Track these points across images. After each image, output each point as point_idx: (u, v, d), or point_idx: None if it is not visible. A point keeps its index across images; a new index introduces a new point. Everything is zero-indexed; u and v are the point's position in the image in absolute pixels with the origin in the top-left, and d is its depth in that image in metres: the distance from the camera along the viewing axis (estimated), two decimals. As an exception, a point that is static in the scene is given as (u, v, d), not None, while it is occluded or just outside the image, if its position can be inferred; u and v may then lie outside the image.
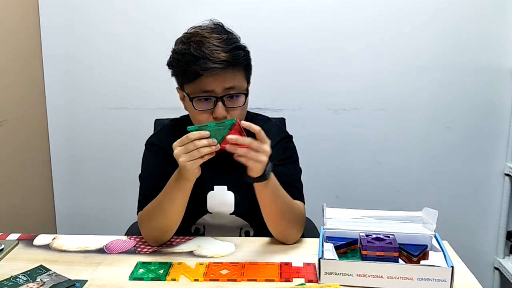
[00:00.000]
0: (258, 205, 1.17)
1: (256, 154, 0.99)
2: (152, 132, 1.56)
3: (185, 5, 1.83)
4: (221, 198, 1.23)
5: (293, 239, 1.18)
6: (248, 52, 1.15)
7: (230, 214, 1.24)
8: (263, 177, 1.04)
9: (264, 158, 1.00)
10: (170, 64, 1.16)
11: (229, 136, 0.99)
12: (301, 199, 1.21)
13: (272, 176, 1.08)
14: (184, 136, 0.99)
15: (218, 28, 1.13)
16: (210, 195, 1.23)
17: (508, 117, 1.88)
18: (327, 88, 1.88)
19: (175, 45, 1.15)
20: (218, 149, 0.99)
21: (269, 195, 1.10)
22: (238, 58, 1.10)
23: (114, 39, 1.87)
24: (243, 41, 1.16)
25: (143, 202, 1.17)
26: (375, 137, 1.92)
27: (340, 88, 1.88)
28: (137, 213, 1.20)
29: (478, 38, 1.83)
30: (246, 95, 1.14)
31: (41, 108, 1.92)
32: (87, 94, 1.92)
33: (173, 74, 1.17)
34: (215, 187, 1.23)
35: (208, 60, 1.05)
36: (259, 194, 1.10)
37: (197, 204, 1.20)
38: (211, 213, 1.24)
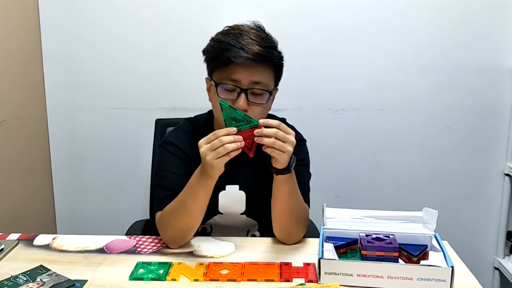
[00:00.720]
0: (269, 205, 1.18)
1: (282, 144, 0.99)
2: (152, 132, 1.56)
3: (185, 6, 1.83)
4: (233, 198, 1.23)
5: (294, 239, 1.18)
6: (281, 57, 1.17)
7: (241, 214, 1.25)
8: (287, 169, 1.05)
9: (290, 148, 1.00)
10: (205, 51, 1.18)
11: (256, 131, 0.99)
12: (307, 202, 1.22)
13: (293, 174, 1.09)
14: (211, 133, 1.00)
15: (258, 28, 1.16)
16: (222, 195, 1.23)
17: (508, 117, 1.88)
18: (327, 88, 1.88)
19: (214, 36, 1.17)
20: (243, 145, 0.99)
21: (288, 190, 1.10)
22: (271, 56, 1.13)
23: (114, 39, 1.87)
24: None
25: (162, 202, 1.16)
26: (375, 137, 1.92)
27: (340, 88, 1.88)
28: (155, 213, 1.18)
29: (478, 38, 1.83)
30: (270, 93, 1.15)
31: (41, 108, 1.92)
32: (87, 94, 1.92)
33: (205, 60, 1.19)
34: (227, 186, 1.23)
35: (242, 50, 1.09)
36: (278, 188, 1.10)
37: (208, 204, 1.20)
38: (222, 213, 1.24)
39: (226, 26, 1.17)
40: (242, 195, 1.23)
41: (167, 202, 1.14)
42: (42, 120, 1.93)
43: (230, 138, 0.98)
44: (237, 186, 1.23)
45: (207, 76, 1.20)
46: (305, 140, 1.30)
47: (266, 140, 0.98)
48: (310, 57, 1.85)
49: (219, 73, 1.13)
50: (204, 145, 1.00)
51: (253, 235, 1.29)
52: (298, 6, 1.82)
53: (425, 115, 1.90)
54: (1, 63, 1.65)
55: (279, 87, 1.18)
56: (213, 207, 1.22)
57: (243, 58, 1.08)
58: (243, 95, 1.10)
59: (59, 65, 1.90)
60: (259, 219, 1.27)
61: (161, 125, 1.55)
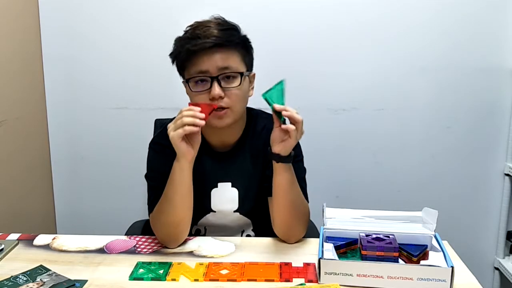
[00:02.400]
0: (261, 203, 1.18)
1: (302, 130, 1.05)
2: (152, 132, 1.56)
3: (186, 5, 1.83)
4: (225, 195, 1.23)
5: (296, 237, 1.18)
6: (245, 37, 1.18)
7: (234, 211, 1.24)
8: (289, 158, 1.08)
9: (300, 136, 1.06)
10: (170, 54, 1.19)
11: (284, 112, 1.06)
12: (306, 198, 1.22)
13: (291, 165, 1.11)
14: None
15: (218, 18, 1.17)
16: (214, 192, 1.22)
17: (508, 117, 1.88)
18: (327, 88, 1.88)
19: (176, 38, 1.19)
20: (203, 124, 1.03)
21: (288, 179, 1.11)
22: (231, 38, 1.12)
23: (114, 39, 1.87)
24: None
25: (154, 202, 1.16)
26: (375, 137, 1.92)
27: (340, 88, 1.88)
28: (149, 215, 1.19)
29: (478, 38, 1.83)
30: (242, 74, 1.14)
31: (41, 108, 1.92)
32: (87, 94, 1.92)
33: (173, 62, 1.20)
34: (219, 184, 1.22)
35: (199, 38, 1.10)
36: (279, 177, 1.10)
37: (201, 202, 1.20)
38: (214, 211, 1.24)
39: (188, 26, 1.18)
40: (234, 192, 1.23)
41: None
42: (42, 120, 1.93)
43: (190, 112, 1.02)
44: (229, 183, 1.23)
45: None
46: None
47: (297, 117, 1.05)
48: (310, 57, 1.85)
49: (187, 71, 1.14)
50: (170, 124, 1.05)
51: (248, 236, 1.29)
52: (298, 6, 1.82)
53: (425, 115, 1.90)
54: (1, 63, 1.65)
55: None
56: (205, 205, 1.22)
57: (200, 45, 1.09)
58: (215, 83, 1.10)
59: (59, 65, 1.90)
60: (252, 218, 1.26)
61: (161, 125, 1.55)
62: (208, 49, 1.10)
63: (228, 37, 1.12)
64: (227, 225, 1.26)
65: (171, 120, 1.32)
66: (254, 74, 1.23)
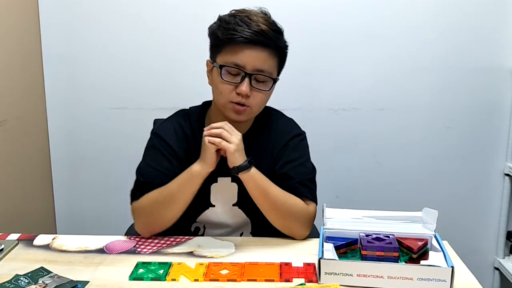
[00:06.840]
0: None
1: (229, 135, 1.08)
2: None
3: (186, 5, 1.83)
4: (225, 189, 1.24)
5: (298, 235, 1.18)
6: (287, 45, 1.18)
7: (233, 205, 1.24)
8: (244, 167, 1.09)
9: (236, 139, 1.08)
10: (211, 30, 1.16)
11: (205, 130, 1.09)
12: (311, 198, 1.21)
13: (257, 172, 1.12)
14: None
15: (265, 14, 1.16)
16: (214, 186, 1.23)
17: (508, 117, 1.88)
18: (327, 88, 1.88)
19: (221, 16, 1.16)
20: None
21: (257, 188, 1.13)
22: (279, 42, 1.13)
23: (114, 39, 1.87)
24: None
25: (137, 191, 1.17)
26: (375, 137, 1.92)
27: (340, 88, 1.88)
28: (131, 203, 1.19)
29: (478, 38, 1.83)
30: (274, 81, 1.15)
31: (41, 108, 1.92)
32: (87, 94, 1.92)
33: (210, 39, 1.17)
34: (219, 178, 1.23)
35: (249, 27, 1.08)
36: (248, 187, 1.13)
37: (200, 197, 1.20)
38: (214, 205, 1.24)
39: (233, 10, 1.15)
40: (234, 186, 1.24)
41: (142, 193, 1.16)
42: (42, 120, 1.93)
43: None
44: (229, 178, 1.23)
45: (208, 58, 1.20)
46: (304, 133, 1.29)
47: (214, 131, 1.07)
48: (311, 56, 1.85)
49: (223, 56, 1.12)
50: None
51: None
52: (298, 6, 1.82)
53: (425, 115, 1.90)
54: (1, 63, 1.65)
55: (281, 87, 1.19)
56: (205, 200, 1.23)
57: (250, 33, 1.07)
58: (246, 80, 1.10)
59: (59, 65, 1.90)
60: (251, 215, 1.26)
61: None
62: (253, 44, 1.09)
63: (277, 41, 1.12)
64: (225, 222, 1.26)
65: (178, 111, 1.31)
66: (278, 79, 1.22)
